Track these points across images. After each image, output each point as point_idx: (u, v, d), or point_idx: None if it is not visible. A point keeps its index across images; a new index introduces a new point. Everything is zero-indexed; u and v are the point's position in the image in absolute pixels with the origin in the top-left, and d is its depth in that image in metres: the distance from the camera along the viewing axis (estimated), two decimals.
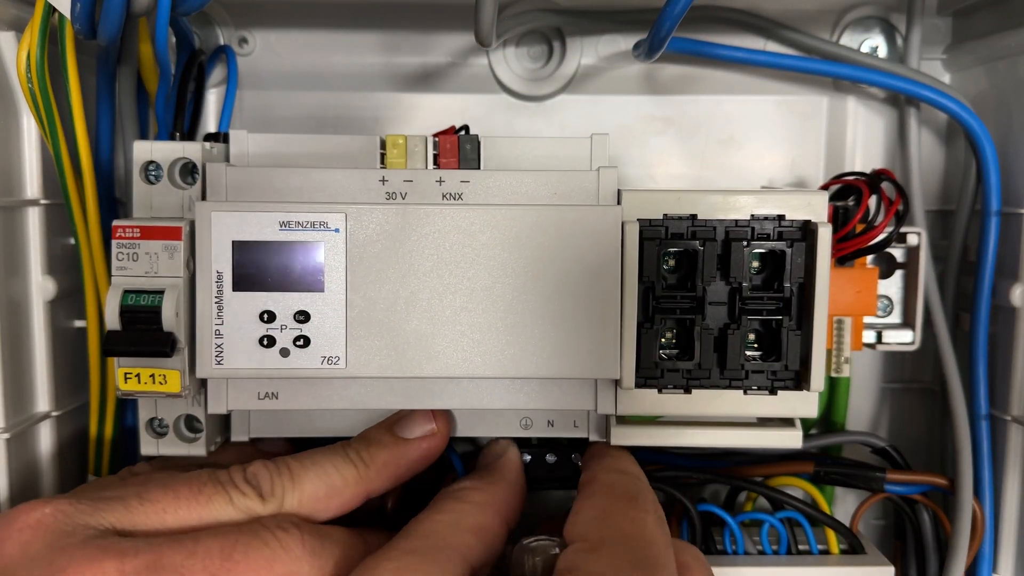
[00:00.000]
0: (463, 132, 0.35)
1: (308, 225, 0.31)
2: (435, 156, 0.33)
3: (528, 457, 0.36)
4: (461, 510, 0.30)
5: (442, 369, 0.32)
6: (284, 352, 0.31)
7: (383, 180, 0.32)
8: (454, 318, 0.32)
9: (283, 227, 0.31)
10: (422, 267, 0.31)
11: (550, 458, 0.36)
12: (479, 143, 0.33)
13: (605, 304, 0.32)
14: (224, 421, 0.35)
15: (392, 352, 0.32)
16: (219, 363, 0.31)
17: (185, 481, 0.29)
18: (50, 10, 0.32)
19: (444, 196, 0.32)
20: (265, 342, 0.31)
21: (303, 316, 0.31)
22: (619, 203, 0.32)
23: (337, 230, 0.31)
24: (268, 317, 0.31)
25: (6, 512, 0.28)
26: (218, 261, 0.31)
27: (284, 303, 0.31)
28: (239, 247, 0.31)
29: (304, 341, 0.31)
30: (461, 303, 0.31)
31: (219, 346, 0.31)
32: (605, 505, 0.29)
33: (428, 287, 0.31)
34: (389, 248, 0.31)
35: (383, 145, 0.33)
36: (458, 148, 0.33)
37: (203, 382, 0.33)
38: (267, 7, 0.43)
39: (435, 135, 0.33)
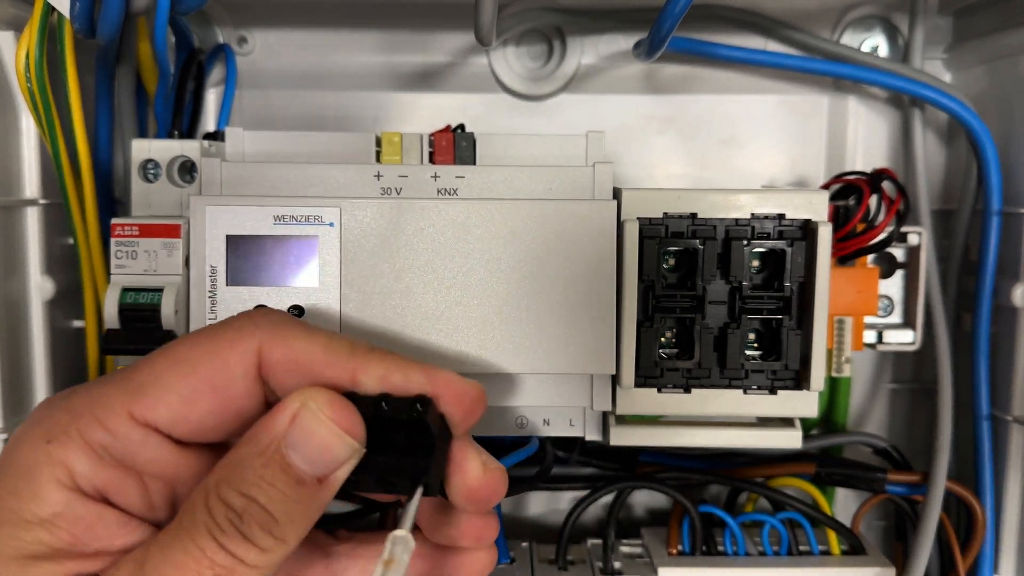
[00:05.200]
0: (459, 131, 0.35)
1: (302, 219, 0.31)
2: (431, 154, 0.33)
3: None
4: None
5: (436, 364, 0.31)
6: None
7: (378, 175, 0.32)
8: (449, 313, 0.31)
9: (277, 221, 0.31)
10: (417, 262, 0.31)
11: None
12: (475, 141, 0.33)
13: (600, 300, 0.31)
14: None
15: (386, 347, 0.31)
16: None
17: None
18: (49, 9, 0.32)
19: (439, 191, 0.32)
20: None
21: (297, 311, 0.31)
22: (615, 198, 0.32)
23: (332, 224, 0.31)
24: None
25: None
26: (212, 255, 0.31)
27: (278, 297, 0.31)
28: (233, 241, 0.31)
29: None
30: (456, 298, 0.31)
31: None
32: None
33: (423, 282, 0.31)
34: (384, 242, 0.31)
35: (378, 143, 0.33)
36: (454, 146, 0.33)
37: None
38: (266, 7, 0.43)
39: (431, 135, 0.33)
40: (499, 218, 0.31)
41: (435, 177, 0.32)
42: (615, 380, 0.32)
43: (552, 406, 0.33)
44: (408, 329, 0.31)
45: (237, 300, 0.31)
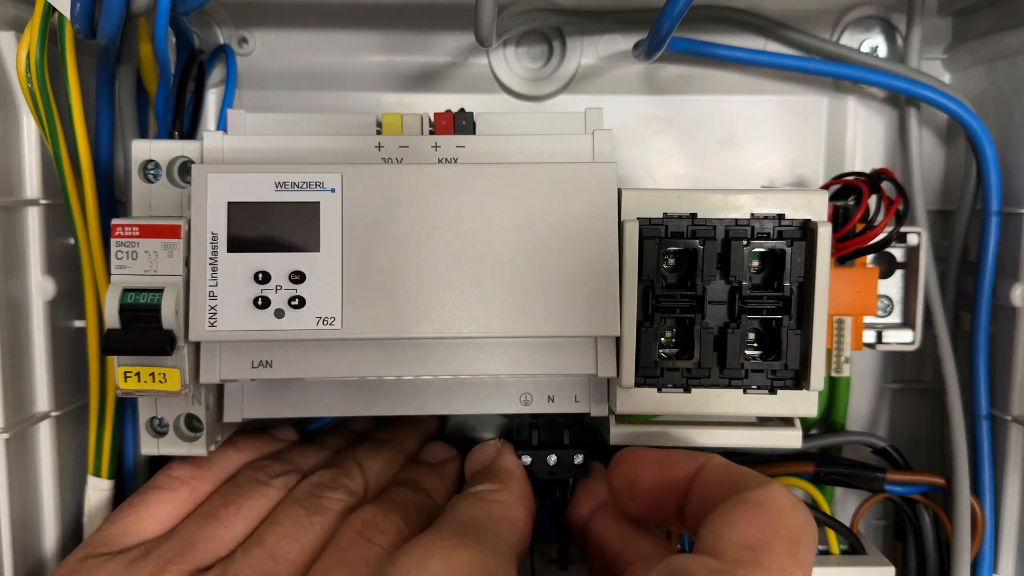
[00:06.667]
0: (459, 112, 0.35)
1: (304, 185, 0.31)
2: (431, 132, 0.33)
3: (528, 460, 0.35)
4: (488, 506, 0.30)
5: (439, 329, 0.31)
6: (279, 313, 0.31)
7: (379, 146, 0.32)
8: (451, 277, 0.31)
9: (279, 188, 0.31)
10: (419, 227, 0.31)
11: (551, 459, 0.35)
12: (474, 119, 0.33)
13: (602, 261, 0.31)
14: (224, 419, 0.35)
15: (388, 312, 0.31)
16: (213, 325, 0.31)
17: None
18: (50, 10, 0.32)
19: (440, 161, 0.32)
20: (259, 303, 0.31)
21: (298, 276, 0.31)
22: (618, 196, 0.32)
23: (333, 190, 0.31)
24: (263, 278, 0.31)
25: None
26: (213, 223, 0.31)
27: (279, 264, 0.31)
28: (234, 208, 0.31)
29: (299, 302, 0.31)
30: (457, 262, 0.31)
31: (213, 308, 0.31)
32: (767, 536, 0.24)
33: (424, 247, 0.31)
34: (385, 208, 0.31)
35: (379, 124, 0.33)
36: (453, 123, 0.33)
37: (197, 348, 0.32)
38: (267, 7, 0.43)
39: (432, 114, 0.33)
40: (500, 182, 0.31)
41: (436, 147, 0.32)
42: (618, 359, 0.32)
43: (557, 375, 0.33)
44: (411, 294, 0.31)
45: (238, 267, 0.31)
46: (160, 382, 0.31)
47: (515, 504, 0.31)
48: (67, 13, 0.31)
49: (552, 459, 0.35)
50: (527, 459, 0.35)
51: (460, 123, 0.33)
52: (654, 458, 0.29)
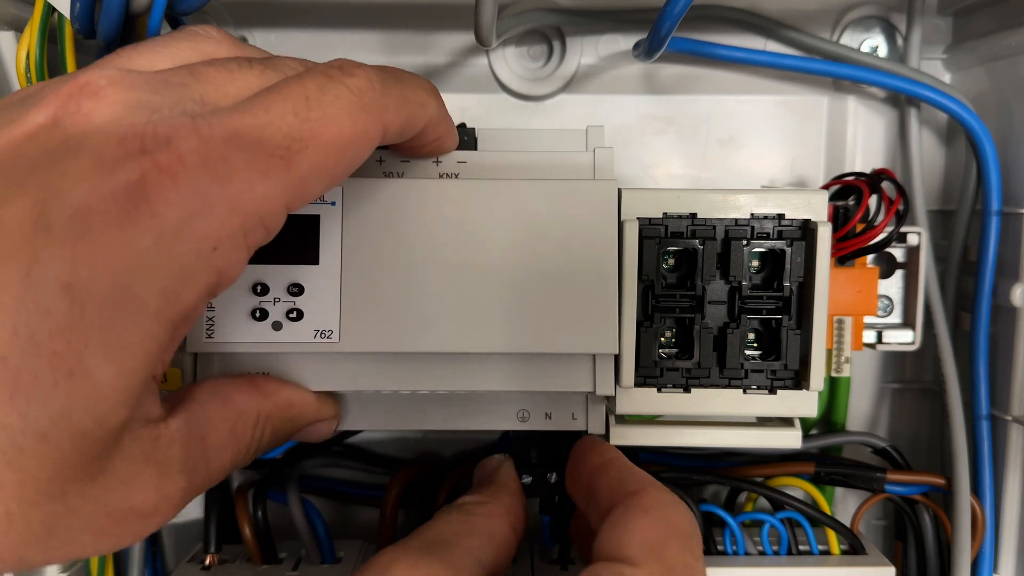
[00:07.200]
0: (461, 127, 0.35)
1: None
2: None
3: (529, 479, 0.34)
4: (468, 520, 0.30)
5: (437, 344, 0.31)
6: (276, 325, 0.31)
7: (380, 160, 0.32)
8: (449, 292, 0.31)
9: None
10: (418, 241, 0.31)
11: (551, 477, 0.35)
12: (475, 135, 0.33)
13: (602, 279, 0.31)
14: None
15: (387, 326, 0.31)
16: (210, 337, 0.31)
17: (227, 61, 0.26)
18: (50, 10, 0.32)
19: (441, 176, 0.32)
20: (257, 315, 0.31)
21: (297, 288, 0.31)
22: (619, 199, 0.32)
23: (333, 203, 0.31)
24: (261, 289, 0.31)
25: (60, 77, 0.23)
26: None
27: (278, 276, 0.31)
28: None
29: (297, 314, 0.31)
30: (457, 278, 0.31)
31: (211, 319, 0.31)
32: (662, 536, 0.26)
33: (424, 261, 0.31)
34: (386, 222, 0.31)
35: None
36: None
37: (195, 362, 0.32)
38: (267, 7, 0.43)
39: None
40: (500, 198, 0.31)
41: (437, 162, 0.32)
42: (618, 364, 0.32)
43: (554, 392, 0.33)
44: (409, 309, 0.31)
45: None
46: (160, 382, 0.31)
47: (498, 516, 0.31)
48: (67, 13, 0.31)
49: (553, 477, 0.35)
50: (528, 478, 0.34)
51: (462, 139, 0.33)
52: (583, 446, 0.32)
